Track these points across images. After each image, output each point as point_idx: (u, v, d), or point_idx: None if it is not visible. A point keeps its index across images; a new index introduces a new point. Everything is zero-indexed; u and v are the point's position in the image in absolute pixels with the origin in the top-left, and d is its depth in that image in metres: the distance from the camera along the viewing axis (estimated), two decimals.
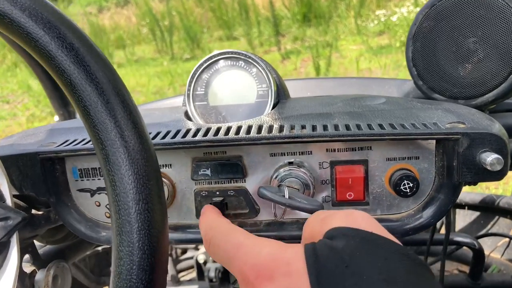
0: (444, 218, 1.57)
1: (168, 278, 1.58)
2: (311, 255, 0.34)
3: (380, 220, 0.56)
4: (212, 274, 1.46)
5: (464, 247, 1.39)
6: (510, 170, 1.06)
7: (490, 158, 0.48)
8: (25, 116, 5.36)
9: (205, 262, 1.50)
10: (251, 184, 0.57)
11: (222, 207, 0.56)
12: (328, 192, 0.56)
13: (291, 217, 0.58)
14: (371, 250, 0.33)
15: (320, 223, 0.39)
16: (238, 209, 0.57)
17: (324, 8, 7.00)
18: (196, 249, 1.64)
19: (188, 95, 0.65)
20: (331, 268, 0.32)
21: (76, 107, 0.39)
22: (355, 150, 0.55)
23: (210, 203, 0.56)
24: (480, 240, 1.33)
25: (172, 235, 0.58)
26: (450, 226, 1.23)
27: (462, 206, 1.59)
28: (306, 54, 5.85)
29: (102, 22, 8.23)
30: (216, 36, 7.28)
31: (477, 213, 1.58)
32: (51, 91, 1.25)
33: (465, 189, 1.85)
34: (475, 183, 1.03)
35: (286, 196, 0.50)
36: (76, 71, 0.38)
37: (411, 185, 0.52)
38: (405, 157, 0.54)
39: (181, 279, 1.61)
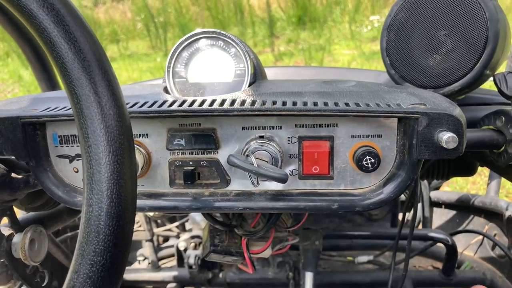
0: (421, 216, 1.61)
1: (149, 264, 1.60)
2: None
3: (343, 194, 0.59)
4: (191, 261, 1.48)
5: (440, 245, 1.43)
6: (481, 166, 1.10)
7: (446, 136, 0.52)
8: None
9: (185, 250, 1.53)
10: (223, 155, 0.60)
11: (194, 176, 0.59)
12: (295, 165, 0.59)
13: (260, 188, 0.60)
14: None
15: None
16: (210, 179, 0.60)
17: (319, 12, 7.05)
18: (177, 237, 1.67)
19: (168, 71, 0.67)
20: None
21: (55, 65, 0.42)
22: (322, 126, 0.58)
23: (183, 172, 0.59)
24: (454, 238, 1.37)
25: (146, 202, 0.61)
26: (415, 219, 1.26)
27: (439, 204, 1.63)
28: (299, 57, 5.90)
29: (97, 16, 8.21)
30: None
31: (453, 212, 1.62)
32: (40, 72, 1.27)
33: (442, 188, 1.89)
34: (447, 177, 1.06)
35: (254, 164, 0.53)
36: (56, 30, 0.40)
37: (372, 161, 0.56)
38: (369, 135, 0.57)
39: (162, 266, 1.63)
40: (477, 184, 2.83)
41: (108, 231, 0.39)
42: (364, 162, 0.56)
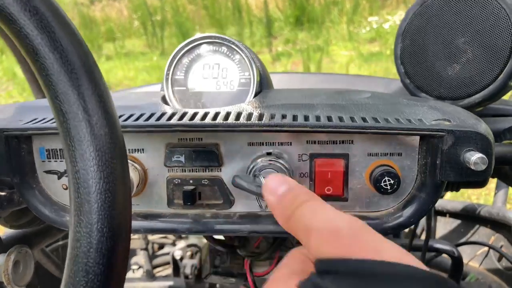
0: (425, 224, 1.57)
1: (143, 273, 1.55)
2: None
3: (358, 217, 0.54)
4: (188, 270, 1.43)
5: (444, 255, 1.39)
6: (493, 177, 1.05)
7: (474, 157, 0.47)
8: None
9: (181, 258, 1.47)
10: (226, 173, 0.54)
11: (194, 196, 0.53)
12: (306, 185, 0.54)
13: (267, 210, 0.55)
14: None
15: (306, 240, 0.35)
16: (212, 199, 0.55)
17: (317, 13, 7.00)
18: (173, 245, 1.61)
19: (167, 79, 0.62)
20: None
21: (38, 77, 0.36)
22: (336, 143, 0.53)
23: (183, 191, 0.53)
24: (459, 249, 1.32)
25: (142, 224, 0.56)
26: (430, 232, 1.22)
27: (443, 213, 1.58)
28: (297, 57, 5.85)
29: (93, 14, 8.13)
30: None
31: (458, 221, 1.57)
32: (31, 75, 1.21)
33: (447, 197, 1.85)
34: (457, 188, 1.01)
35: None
36: (39, 37, 0.35)
37: (392, 182, 0.51)
38: (387, 153, 0.52)
39: (157, 274, 1.58)
40: (477, 190, 2.79)
41: (98, 270, 0.34)
42: (382, 184, 0.51)
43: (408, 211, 0.53)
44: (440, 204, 1.58)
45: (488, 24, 0.64)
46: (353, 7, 6.75)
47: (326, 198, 0.53)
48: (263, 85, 0.64)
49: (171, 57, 0.62)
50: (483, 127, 0.50)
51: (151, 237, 1.60)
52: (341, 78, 0.93)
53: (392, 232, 0.53)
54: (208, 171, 0.54)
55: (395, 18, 6.11)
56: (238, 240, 0.67)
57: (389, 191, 0.51)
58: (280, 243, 0.66)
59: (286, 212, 0.39)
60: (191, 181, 0.54)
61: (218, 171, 0.54)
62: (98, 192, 0.34)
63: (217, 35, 0.61)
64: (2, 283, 0.59)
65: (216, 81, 0.62)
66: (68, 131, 0.35)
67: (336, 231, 0.34)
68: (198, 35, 0.62)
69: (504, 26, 0.62)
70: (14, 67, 6.08)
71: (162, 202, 0.56)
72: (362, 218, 0.54)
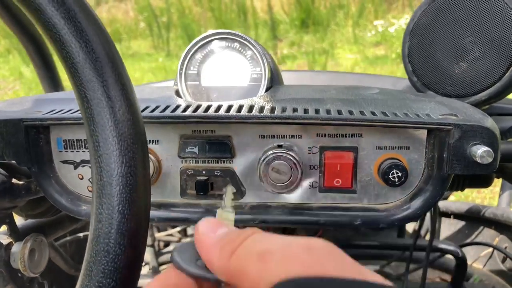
0: (429, 225, 1.58)
1: (149, 269, 1.56)
2: None
3: (366, 209, 0.55)
4: None
5: (448, 256, 1.39)
6: (497, 178, 1.06)
7: (480, 150, 0.48)
8: None
9: None
10: (238, 165, 0.56)
11: (206, 186, 0.55)
12: (315, 177, 0.55)
13: (277, 201, 0.57)
14: None
15: (258, 264, 0.27)
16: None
17: (323, 16, 7.02)
18: (179, 242, 1.63)
19: (180, 74, 0.64)
20: None
21: (64, 65, 0.38)
22: (346, 136, 0.54)
23: (196, 181, 0.55)
24: (463, 250, 1.33)
25: (155, 213, 0.57)
26: (434, 232, 1.23)
27: (448, 214, 1.59)
28: (302, 60, 5.87)
29: (99, 15, 8.16)
30: None
31: (462, 223, 1.58)
32: (42, 71, 1.23)
33: (451, 198, 1.86)
34: (462, 188, 1.03)
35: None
36: (66, 27, 0.37)
37: (399, 174, 0.52)
38: (396, 147, 0.54)
39: (162, 272, 1.59)
40: (482, 193, 2.80)
41: (118, 251, 0.36)
42: (390, 176, 0.52)
43: (415, 204, 0.54)
44: (444, 205, 1.59)
45: (495, 24, 0.65)
46: (358, 11, 6.77)
47: (335, 190, 0.55)
48: (274, 80, 0.65)
49: (184, 52, 0.64)
50: (489, 121, 0.52)
51: (157, 235, 1.62)
52: (350, 76, 0.95)
53: (399, 224, 0.54)
54: (221, 163, 0.56)
55: (401, 22, 6.12)
56: None
57: (397, 183, 0.52)
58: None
59: (229, 247, 0.29)
60: (203, 172, 0.56)
61: (230, 163, 0.56)
62: (120, 175, 0.36)
63: (229, 31, 0.63)
64: (18, 270, 0.61)
65: (228, 76, 0.64)
66: (92, 117, 0.37)
67: (308, 247, 0.27)
68: (210, 31, 0.64)
69: (510, 26, 0.64)
70: (21, 67, 6.13)
71: (175, 192, 0.57)
72: (370, 210, 0.55)
